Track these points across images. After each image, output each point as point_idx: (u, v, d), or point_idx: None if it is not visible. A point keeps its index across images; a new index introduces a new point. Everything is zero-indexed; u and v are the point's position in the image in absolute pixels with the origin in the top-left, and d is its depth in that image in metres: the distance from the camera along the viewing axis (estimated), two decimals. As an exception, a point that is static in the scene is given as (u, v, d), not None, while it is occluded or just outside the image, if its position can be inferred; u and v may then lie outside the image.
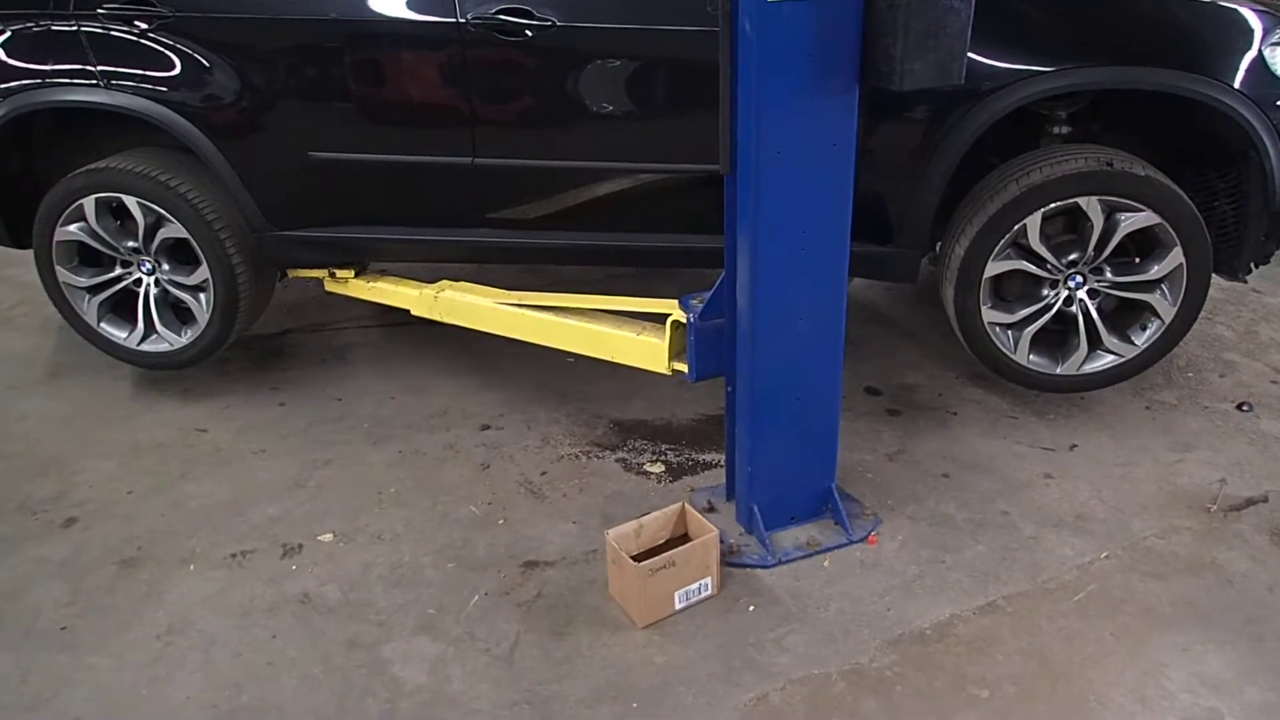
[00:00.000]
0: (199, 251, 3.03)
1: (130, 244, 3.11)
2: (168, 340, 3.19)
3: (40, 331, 3.78)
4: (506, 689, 2.07)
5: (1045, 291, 2.81)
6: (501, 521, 2.60)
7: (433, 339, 3.54)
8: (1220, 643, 2.14)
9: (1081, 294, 2.80)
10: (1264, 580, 2.32)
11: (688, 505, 2.39)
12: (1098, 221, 2.67)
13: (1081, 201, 2.65)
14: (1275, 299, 3.78)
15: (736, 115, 2.08)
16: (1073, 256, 2.76)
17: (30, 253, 3.21)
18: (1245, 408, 3.04)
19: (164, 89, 2.89)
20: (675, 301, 2.60)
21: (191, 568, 2.46)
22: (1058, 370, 2.88)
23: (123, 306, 3.25)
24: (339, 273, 3.24)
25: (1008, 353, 2.87)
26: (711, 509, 2.58)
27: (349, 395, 3.26)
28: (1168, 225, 2.68)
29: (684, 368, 2.58)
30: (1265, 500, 2.61)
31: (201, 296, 3.11)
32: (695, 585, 2.26)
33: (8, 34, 2.95)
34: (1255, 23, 2.63)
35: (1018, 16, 2.61)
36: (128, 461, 2.92)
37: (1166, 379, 3.20)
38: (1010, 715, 1.98)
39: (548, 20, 2.67)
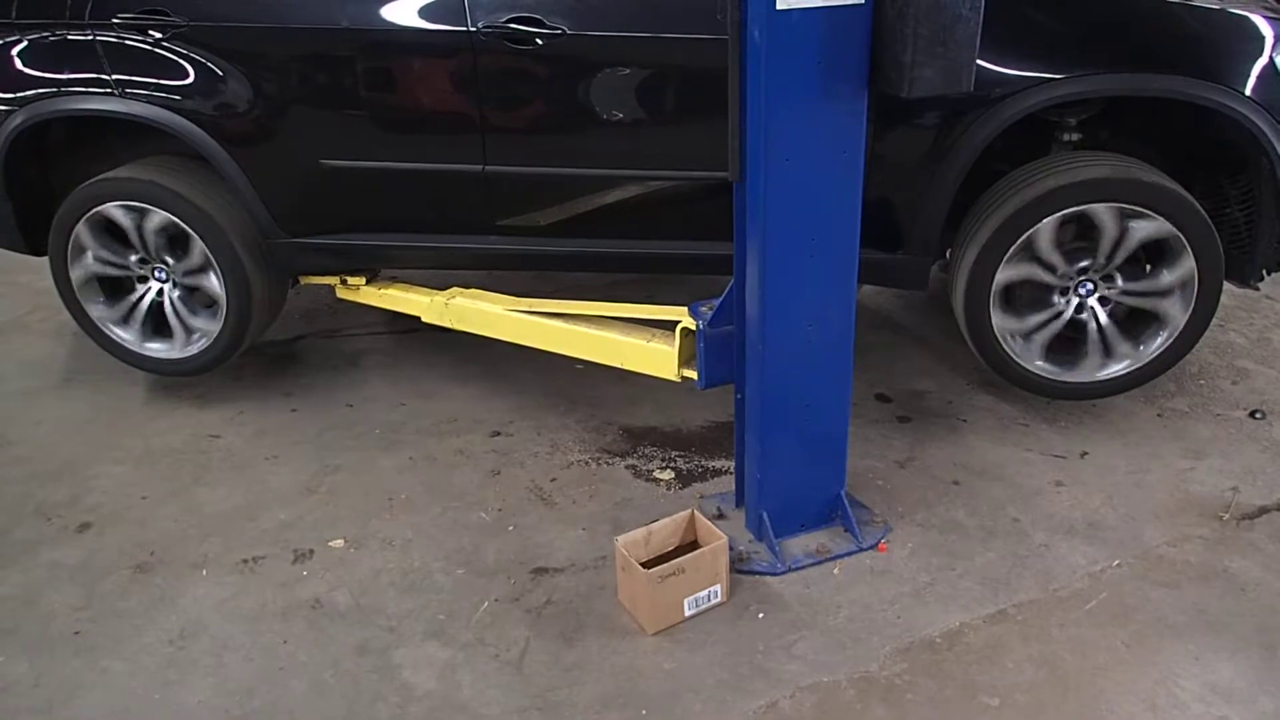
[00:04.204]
0: (211, 258, 3.05)
1: (135, 256, 3.15)
2: (207, 333, 3.18)
3: (54, 337, 3.81)
4: (516, 695, 2.08)
5: (1056, 299, 2.81)
6: (511, 528, 2.61)
7: (443, 345, 3.55)
8: (1232, 652, 2.13)
9: (1092, 301, 2.80)
10: (1277, 589, 2.31)
11: (697, 512, 2.39)
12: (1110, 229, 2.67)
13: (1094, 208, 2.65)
14: (1288, 305, 3.77)
15: (745, 122, 2.08)
16: (1083, 263, 2.76)
17: (40, 259, 3.25)
18: (1258, 415, 3.03)
19: (178, 97, 2.91)
20: (685, 308, 2.60)
21: (204, 573, 2.48)
22: (1071, 377, 2.87)
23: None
24: (350, 279, 3.26)
25: (1019, 360, 2.86)
26: (721, 516, 2.57)
27: (360, 401, 3.28)
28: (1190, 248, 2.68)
29: (693, 374, 2.59)
30: (1278, 508, 2.60)
31: (213, 280, 3.11)
32: (705, 592, 2.26)
33: (24, 43, 2.98)
34: (1266, 29, 2.62)
35: (1028, 23, 2.61)
36: (141, 466, 2.94)
37: (1178, 386, 3.19)
38: (1020, 723, 1.98)
39: (558, 29, 2.68)
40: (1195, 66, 2.59)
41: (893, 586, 2.34)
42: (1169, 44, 2.64)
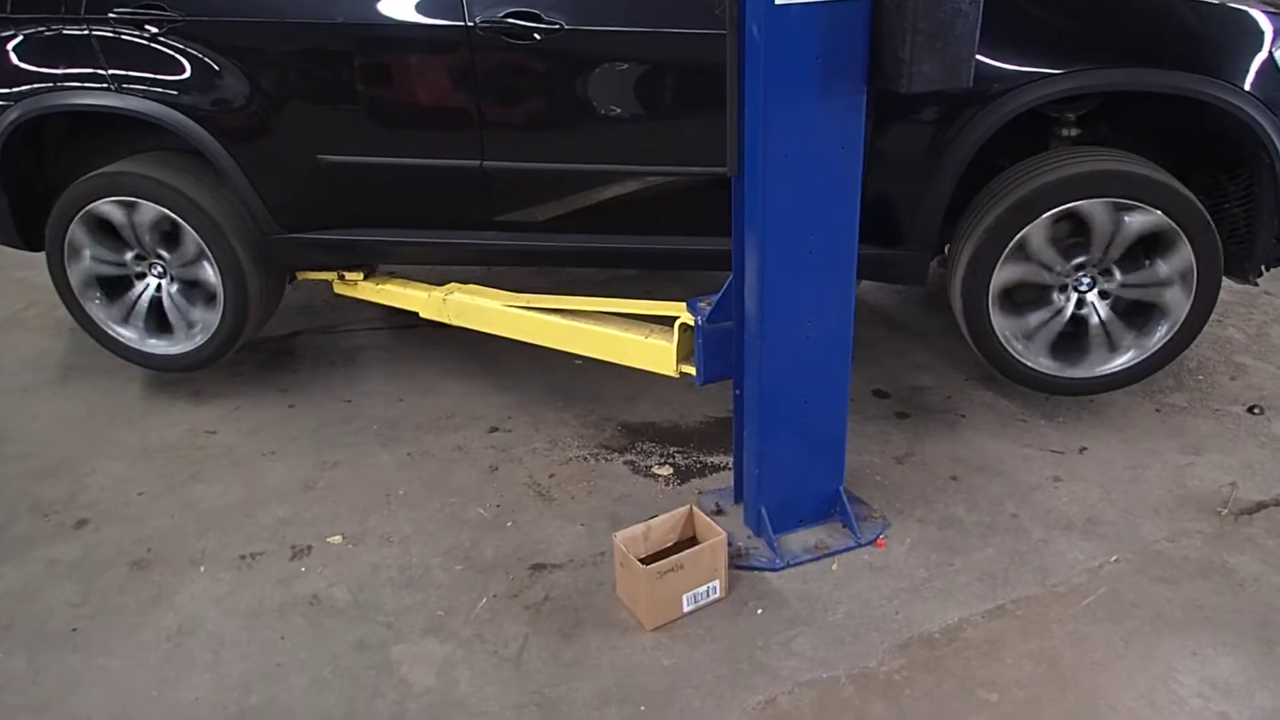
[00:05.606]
0: (209, 254, 3.04)
1: (130, 254, 3.15)
2: (205, 327, 3.17)
3: (51, 333, 3.80)
4: (515, 691, 2.07)
5: (1055, 295, 2.81)
6: (510, 524, 2.61)
7: (441, 341, 3.55)
8: (1231, 647, 2.13)
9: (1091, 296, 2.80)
10: (1275, 584, 2.31)
11: (695, 508, 2.39)
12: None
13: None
14: (1286, 301, 3.77)
15: (744, 118, 2.08)
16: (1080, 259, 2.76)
17: (34, 255, 3.24)
18: (1256, 410, 3.03)
19: (174, 93, 2.90)
20: (683, 304, 2.59)
21: (201, 569, 2.48)
22: (1071, 373, 2.87)
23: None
24: (348, 275, 3.25)
25: (1018, 356, 2.86)
26: (719, 511, 2.57)
27: (358, 397, 3.27)
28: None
29: (692, 370, 2.58)
30: (1277, 504, 2.60)
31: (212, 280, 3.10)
32: (703, 588, 2.25)
33: (20, 38, 2.97)
34: (1265, 24, 2.62)
35: (1027, 18, 2.61)
36: (138, 463, 2.94)
37: (1177, 382, 3.19)
38: (1019, 719, 1.98)
39: (555, 24, 2.67)
40: (1194, 62, 2.58)
41: (891, 582, 2.34)
42: (1168, 39, 2.63)
